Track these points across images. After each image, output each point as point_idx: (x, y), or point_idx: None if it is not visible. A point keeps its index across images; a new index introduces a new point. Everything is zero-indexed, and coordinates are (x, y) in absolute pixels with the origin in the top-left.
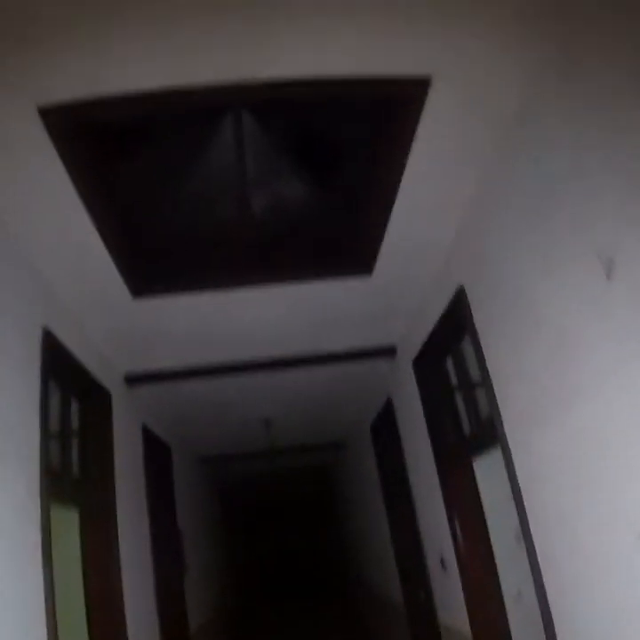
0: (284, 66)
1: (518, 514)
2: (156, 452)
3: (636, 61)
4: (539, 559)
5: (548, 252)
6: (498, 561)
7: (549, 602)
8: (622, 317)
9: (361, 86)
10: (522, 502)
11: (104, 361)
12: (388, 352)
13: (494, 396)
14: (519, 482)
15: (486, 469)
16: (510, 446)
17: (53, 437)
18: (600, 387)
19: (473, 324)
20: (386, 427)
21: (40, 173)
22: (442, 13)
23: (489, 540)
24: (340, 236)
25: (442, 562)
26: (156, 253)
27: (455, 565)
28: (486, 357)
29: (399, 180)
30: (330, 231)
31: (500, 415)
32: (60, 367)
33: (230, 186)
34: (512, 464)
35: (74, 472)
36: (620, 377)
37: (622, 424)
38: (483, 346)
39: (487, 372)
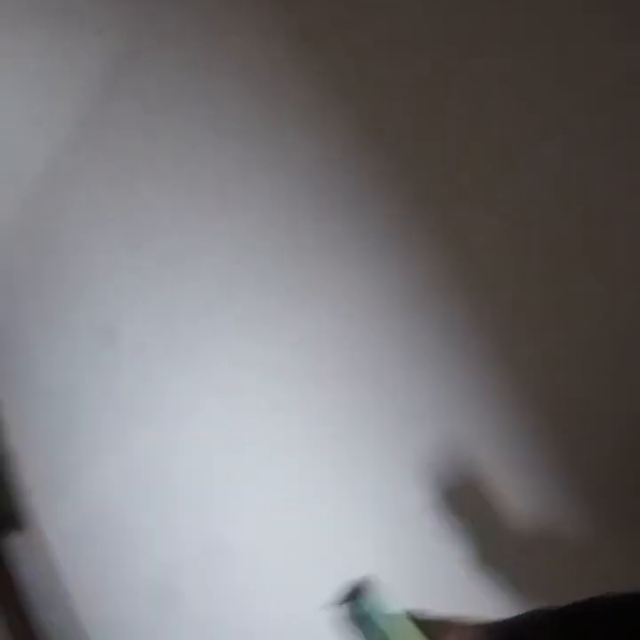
0: None
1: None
2: None
3: None
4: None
5: (53, 323)
6: None
7: None
8: (129, 380)
9: None
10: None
11: None
12: None
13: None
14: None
15: None
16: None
17: None
18: (121, 445)
19: None
20: None
21: None
22: None
23: None
24: None
25: None
26: None
27: None
28: None
29: None
30: None
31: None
32: None
33: None
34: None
35: None
36: (138, 435)
37: (147, 479)
38: None
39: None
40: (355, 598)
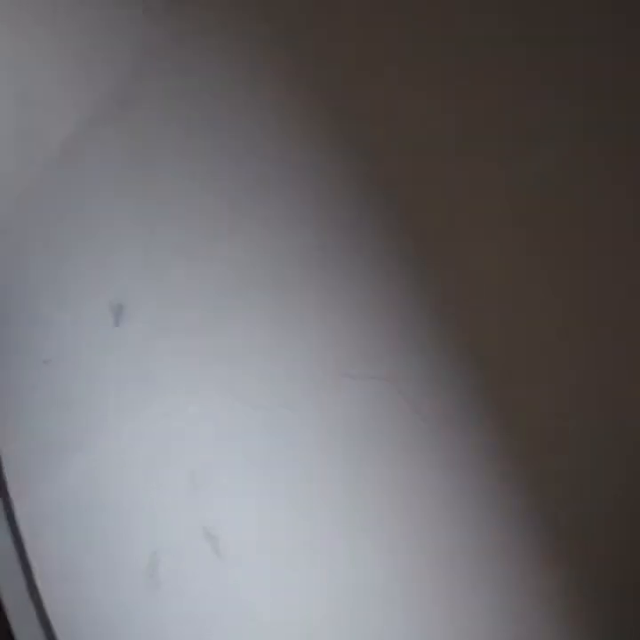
0: None
1: (23, 570)
2: None
3: None
4: (49, 616)
5: (64, 289)
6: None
7: None
8: (131, 361)
9: None
10: (26, 557)
11: None
12: None
13: None
14: (23, 534)
15: None
16: (12, 498)
17: None
18: (116, 426)
19: None
20: None
21: None
22: None
23: None
24: None
25: None
26: None
27: None
28: None
29: None
30: None
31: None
32: None
33: None
34: (14, 517)
35: None
36: (134, 418)
37: (140, 462)
38: None
39: None
40: None
